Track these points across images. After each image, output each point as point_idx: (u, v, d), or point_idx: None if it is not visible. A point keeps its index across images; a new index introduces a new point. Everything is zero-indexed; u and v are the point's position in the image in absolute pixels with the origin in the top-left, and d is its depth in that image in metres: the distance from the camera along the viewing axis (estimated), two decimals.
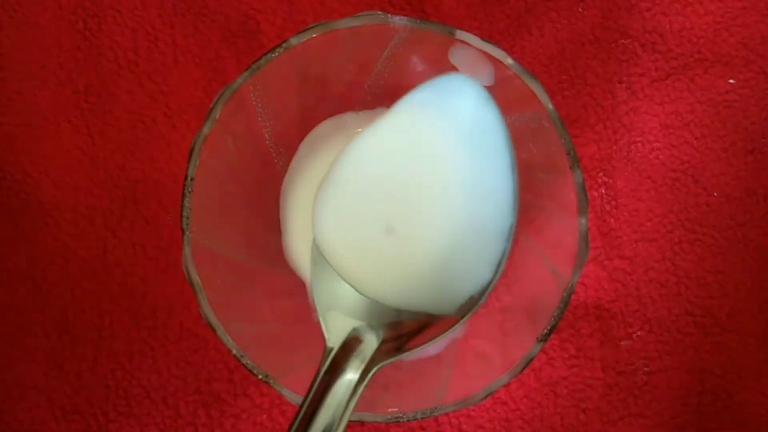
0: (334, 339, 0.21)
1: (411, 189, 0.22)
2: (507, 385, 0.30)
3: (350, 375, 0.20)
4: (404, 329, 0.21)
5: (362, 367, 0.21)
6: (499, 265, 0.22)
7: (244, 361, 0.28)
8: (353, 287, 0.22)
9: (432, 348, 0.33)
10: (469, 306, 0.21)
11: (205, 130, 0.28)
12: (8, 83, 0.36)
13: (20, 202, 0.36)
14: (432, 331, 0.21)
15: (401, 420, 0.28)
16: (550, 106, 0.28)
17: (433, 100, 0.22)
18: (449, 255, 0.21)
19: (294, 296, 0.33)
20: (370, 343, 0.21)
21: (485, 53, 0.28)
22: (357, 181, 0.22)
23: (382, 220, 0.22)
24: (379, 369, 0.21)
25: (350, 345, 0.21)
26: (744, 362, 0.36)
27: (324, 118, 0.34)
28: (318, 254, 0.22)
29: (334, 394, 0.20)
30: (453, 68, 0.30)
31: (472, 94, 0.22)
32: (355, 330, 0.21)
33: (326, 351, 0.21)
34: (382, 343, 0.21)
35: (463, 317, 0.21)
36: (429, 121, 0.22)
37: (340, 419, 0.20)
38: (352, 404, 0.20)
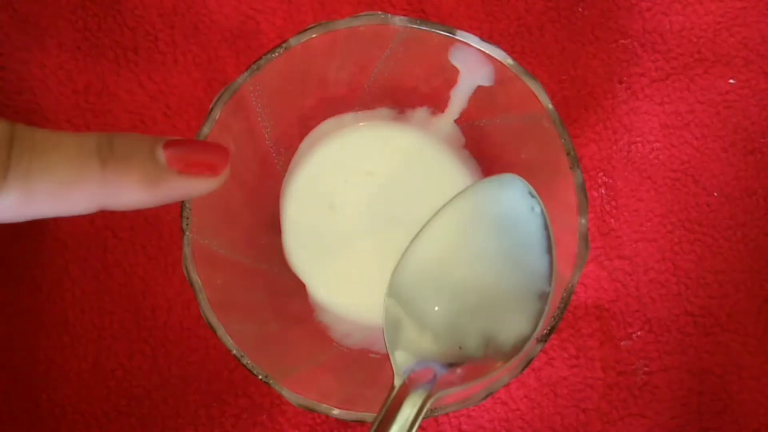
0: (401, 373, 0.26)
1: (466, 266, 0.28)
2: (507, 385, 0.29)
3: (410, 405, 0.25)
4: (458, 369, 0.26)
5: (423, 396, 0.25)
6: (537, 322, 0.26)
7: (244, 361, 0.28)
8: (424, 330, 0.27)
9: None
10: (513, 353, 0.26)
11: (205, 130, 0.28)
12: (8, 83, 0.36)
13: None
14: (481, 370, 0.26)
15: None
16: (550, 106, 0.28)
17: (485, 196, 0.28)
18: (496, 310, 0.27)
19: (294, 296, 0.33)
20: (430, 378, 0.26)
21: (485, 53, 0.28)
22: (426, 254, 0.28)
23: (444, 288, 0.28)
24: (435, 399, 0.25)
25: (413, 380, 0.26)
26: (744, 362, 0.36)
27: (324, 118, 0.34)
28: (394, 305, 0.28)
29: (398, 421, 0.24)
30: (453, 68, 0.30)
31: (517, 188, 0.27)
32: (418, 367, 0.26)
33: (394, 383, 0.26)
34: (439, 378, 0.26)
35: (507, 362, 0.26)
36: (482, 212, 0.28)
37: None
38: (415, 428, 0.25)
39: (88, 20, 0.37)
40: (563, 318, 0.28)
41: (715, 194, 0.37)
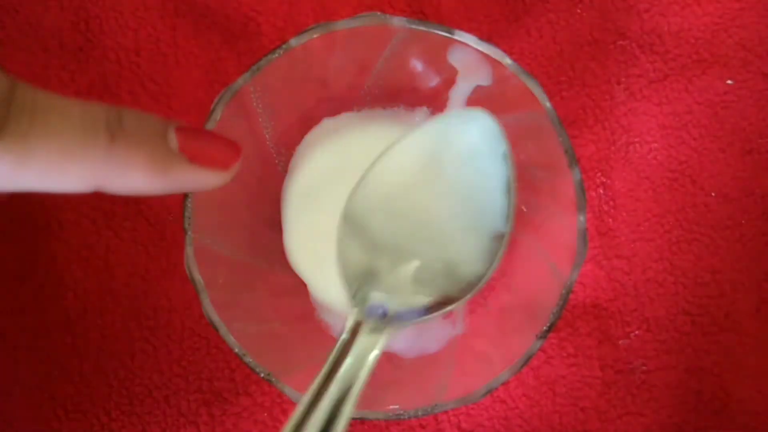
0: (358, 306, 0.25)
1: (423, 197, 0.27)
2: (506, 384, 0.30)
3: (369, 335, 0.24)
4: (415, 306, 0.26)
5: (380, 330, 0.24)
6: (492, 262, 0.26)
7: (246, 359, 0.28)
8: (380, 255, 0.27)
9: (432, 345, 0.33)
10: (468, 289, 0.26)
11: None
12: None
13: (23, 203, 0.36)
14: (436, 308, 0.26)
15: (402, 417, 0.28)
16: (548, 104, 0.28)
17: (448, 128, 0.27)
18: (452, 245, 0.26)
19: (295, 295, 0.34)
20: (385, 311, 0.25)
21: (483, 53, 0.28)
22: (384, 181, 0.27)
23: (401, 217, 0.27)
24: (393, 332, 0.24)
25: (369, 313, 0.25)
26: (741, 361, 0.36)
27: (324, 118, 0.34)
28: (348, 228, 0.27)
29: (355, 353, 0.23)
30: (452, 68, 0.30)
31: (484, 126, 0.27)
32: (375, 301, 0.25)
33: (350, 315, 0.25)
34: (394, 313, 0.25)
35: (462, 298, 0.26)
36: (444, 144, 0.27)
37: (359, 374, 0.23)
38: (371, 361, 0.23)
39: (90, 21, 0.37)
40: (561, 317, 0.28)
41: (713, 194, 0.37)
